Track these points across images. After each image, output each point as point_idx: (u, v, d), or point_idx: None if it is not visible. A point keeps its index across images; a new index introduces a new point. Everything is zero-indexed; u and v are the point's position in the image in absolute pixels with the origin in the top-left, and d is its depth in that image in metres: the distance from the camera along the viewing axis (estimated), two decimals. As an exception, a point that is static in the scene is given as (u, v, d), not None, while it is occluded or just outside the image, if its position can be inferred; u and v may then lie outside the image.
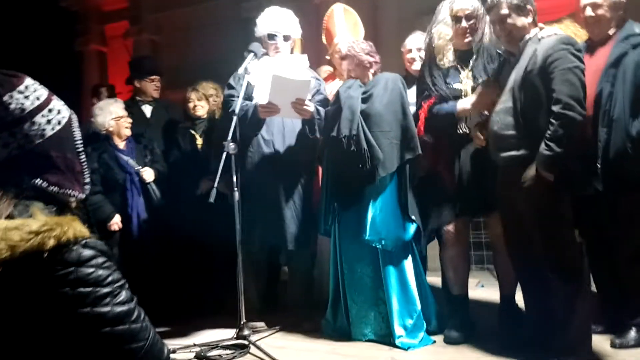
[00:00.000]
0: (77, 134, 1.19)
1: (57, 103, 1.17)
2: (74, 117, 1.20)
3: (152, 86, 4.17)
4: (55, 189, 1.12)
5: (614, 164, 2.50)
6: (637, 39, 2.54)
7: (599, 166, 2.53)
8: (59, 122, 1.15)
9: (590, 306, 2.43)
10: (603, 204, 2.57)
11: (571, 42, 2.36)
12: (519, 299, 2.80)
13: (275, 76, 2.94)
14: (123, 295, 1.02)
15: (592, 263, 2.81)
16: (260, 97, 3.06)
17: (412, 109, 3.00)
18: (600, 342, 2.61)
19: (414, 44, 3.42)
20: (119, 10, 7.92)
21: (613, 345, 2.58)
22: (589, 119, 2.54)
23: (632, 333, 2.59)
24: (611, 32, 2.65)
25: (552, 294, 2.40)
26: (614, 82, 2.53)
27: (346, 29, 3.54)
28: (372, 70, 3.04)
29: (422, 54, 3.33)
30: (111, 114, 3.65)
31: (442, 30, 2.86)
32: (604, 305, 2.75)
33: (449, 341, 2.80)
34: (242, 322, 2.90)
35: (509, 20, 2.46)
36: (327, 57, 3.76)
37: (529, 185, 2.32)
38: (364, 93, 2.95)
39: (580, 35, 2.84)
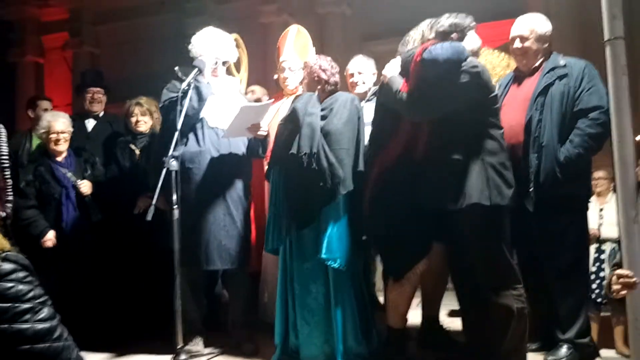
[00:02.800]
0: (4, 149, 1.12)
1: None
2: (2, 132, 1.13)
3: (89, 99, 4.09)
4: None
5: (544, 187, 2.63)
6: (563, 70, 2.71)
7: (531, 189, 2.65)
8: None
9: (525, 324, 2.50)
10: (534, 224, 2.68)
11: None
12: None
13: (243, 107, 2.97)
14: (45, 312, 0.96)
15: (525, 281, 2.90)
16: (214, 121, 3.11)
17: (367, 129, 3.03)
18: (535, 359, 2.68)
19: (356, 67, 3.46)
20: (59, 21, 7.69)
21: (546, 362, 2.67)
22: (520, 145, 2.67)
23: (564, 349, 2.69)
24: (538, 63, 2.81)
25: (490, 314, 2.47)
26: (543, 110, 2.68)
27: (293, 49, 3.58)
28: (319, 87, 3.04)
29: (364, 77, 3.41)
30: (43, 128, 3.57)
31: None
32: (538, 322, 2.83)
33: None
34: (178, 347, 2.79)
35: None
36: (275, 77, 3.77)
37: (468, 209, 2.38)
38: (322, 109, 2.95)
39: (500, 64, 2.99)
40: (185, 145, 3.07)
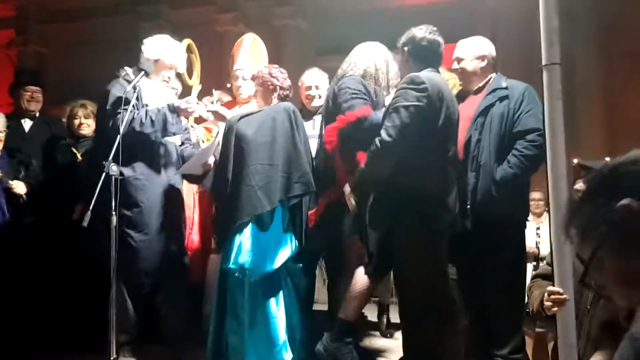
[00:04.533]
0: None
1: None
2: None
3: (27, 97, 3.91)
4: None
5: (481, 205, 2.70)
6: (504, 92, 2.79)
7: (468, 207, 2.71)
8: None
9: (462, 340, 2.55)
10: (472, 241, 2.73)
11: (414, 81, 2.52)
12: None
13: (202, 150, 3.16)
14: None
15: (464, 298, 2.96)
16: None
17: (313, 142, 3.05)
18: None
19: (314, 81, 3.46)
20: (5, 18, 7.40)
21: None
22: (459, 163, 2.73)
23: (498, 365, 2.74)
24: (482, 84, 2.89)
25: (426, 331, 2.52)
26: (482, 131, 2.75)
27: (247, 57, 3.56)
28: (275, 94, 3.05)
29: (322, 91, 3.42)
30: None
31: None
32: (476, 338, 2.88)
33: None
34: (112, 358, 2.67)
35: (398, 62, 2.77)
36: (228, 85, 3.74)
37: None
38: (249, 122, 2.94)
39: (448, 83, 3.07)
40: (141, 158, 3.04)
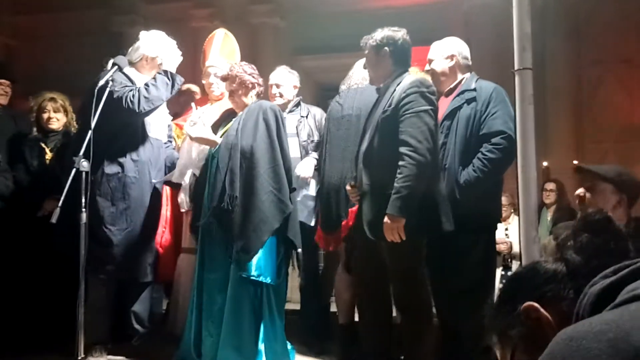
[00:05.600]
0: None
1: None
2: None
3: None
4: None
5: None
6: (472, 94, 2.77)
7: None
8: None
9: (435, 341, 2.60)
10: (442, 243, 2.71)
11: (424, 84, 2.54)
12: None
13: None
14: None
15: (435, 298, 2.98)
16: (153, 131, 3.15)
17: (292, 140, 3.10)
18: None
19: (275, 79, 3.44)
20: (-28, 7, 7.17)
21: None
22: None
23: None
24: (453, 85, 2.89)
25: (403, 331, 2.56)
26: (448, 134, 2.74)
27: (219, 54, 3.52)
28: (254, 92, 3.03)
29: (282, 89, 3.41)
30: None
31: None
32: (446, 339, 2.91)
33: None
34: (79, 358, 2.62)
35: (370, 62, 2.70)
36: (203, 82, 3.70)
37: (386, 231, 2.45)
38: (238, 123, 2.92)
39: None
40: (128, 152, 3.02)
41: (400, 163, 2.41)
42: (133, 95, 2.93)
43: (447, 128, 2.74)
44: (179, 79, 3.17)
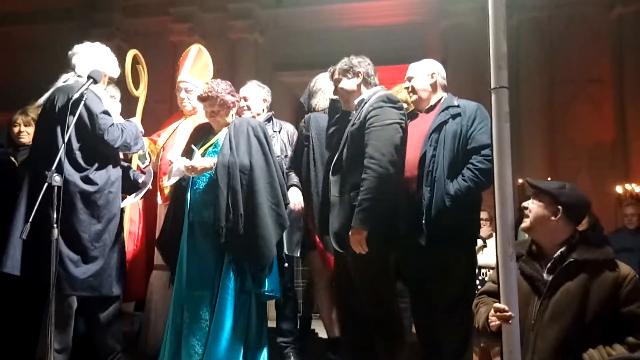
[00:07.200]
0: None
1: None
2: None
3: None
4: None
5: (435, 220, 2.71)
6: (456, 109, 2.86)
7: (423, 222, 2.73)
8: None
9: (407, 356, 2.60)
10: (425, 258, 2.75)
11: (391, 99, 2.65)
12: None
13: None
14: None
15: (415, 313, 2.99)
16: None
17: None
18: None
19: (243, 92, 3.42)
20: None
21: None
22: (414, 179, 2.78)
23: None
24: (433, 102, 2.97)
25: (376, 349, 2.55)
26: (436, 147, 2.79)
27: (190, 69, 3.53)
28: (234, 110, 3.02)
29: (250, 103, 3.40)
30: None
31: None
32: (426, 354, 2.90)
33: None
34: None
35: (340, 84, 2.83)
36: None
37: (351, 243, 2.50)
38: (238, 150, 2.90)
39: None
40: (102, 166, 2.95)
41: (363, 176, 2.52)
42: (115, 132, 2.91)
43: (435, 141, 2.80)
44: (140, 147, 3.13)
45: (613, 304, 2.16)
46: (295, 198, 3.18)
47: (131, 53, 3.62)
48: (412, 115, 3.01)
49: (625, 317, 2.15)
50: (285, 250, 3.05)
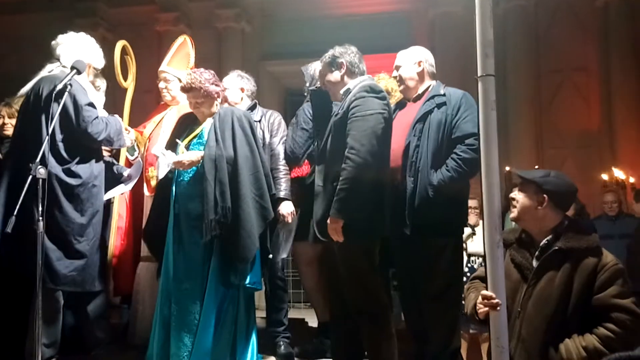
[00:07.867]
0: None
1: None
2: None
3: None
4: None
5: (419, 210, 2.72)
6: (442, 99, 2.84)
7: (406, 213, 2.73)
8: None
9: (395, 345, 2.63)
10: (411, 247, 2.77)
11: (374, 89, 2.65)
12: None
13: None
14: None
15: (403, 302, 3.01)
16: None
17: None
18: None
19: (225, 83, 3.39)
20: None
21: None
22: (399, 169, 2.78)
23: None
24: (421, 91, 2.95)
25: (361, 335, 2.59)
26: (420, 136, 2.79)
27: (171, 59, 3.52)
28: (218, 100, 2.99)
29: (228, 93, 3.38)
30: None
31: None
32: (415, 342, 2.92)
33: None
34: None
35: (326, 78, 2.84)
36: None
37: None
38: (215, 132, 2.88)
39: (398, 89, 3.14)
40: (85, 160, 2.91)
41: (343, 166, 2.53)
42: (100, 125, 2.88)
43: (419, 131, 2.80)
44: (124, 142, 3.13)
45: (589, 292, 2.16)
46: (286, 210, 3.16)
47: (120, 44, 3.58)
48: (401, 105, 3.01)
49: (597, 306, 2.15)
50: (270, 255, 3.04)
